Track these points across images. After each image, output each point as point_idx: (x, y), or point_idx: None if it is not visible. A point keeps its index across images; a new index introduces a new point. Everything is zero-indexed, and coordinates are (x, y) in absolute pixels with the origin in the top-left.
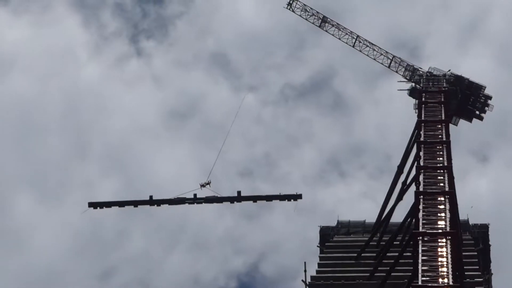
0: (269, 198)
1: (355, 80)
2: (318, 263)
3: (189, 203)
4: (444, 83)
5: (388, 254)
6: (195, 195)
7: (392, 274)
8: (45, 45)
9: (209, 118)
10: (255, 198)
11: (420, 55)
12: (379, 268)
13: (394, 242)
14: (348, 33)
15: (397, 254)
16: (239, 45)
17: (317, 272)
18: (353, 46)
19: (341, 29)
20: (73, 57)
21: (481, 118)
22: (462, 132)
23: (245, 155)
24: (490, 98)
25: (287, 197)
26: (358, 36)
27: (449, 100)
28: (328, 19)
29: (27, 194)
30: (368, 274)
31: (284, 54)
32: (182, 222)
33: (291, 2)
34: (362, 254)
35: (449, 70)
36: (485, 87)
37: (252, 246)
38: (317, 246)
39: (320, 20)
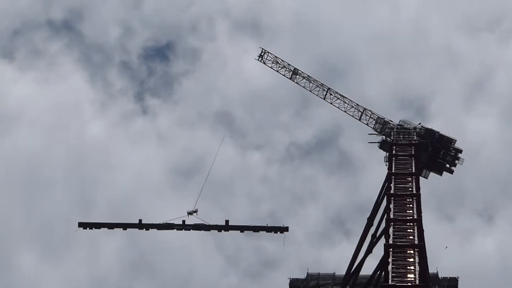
0: (256, 229)
1: (361, 138)
2: None
3: (178, 229)
4: (415, 136)
5: None
6: (183, 221)
7: None
8: (50, 101)
9: (213, 176)
10: (242, 228)
11: (426, 114)
12: None
13: None
14: (319, 85)
15: None
16: (244, 103)
17: None
18: (324, 98)
19: (312, 81)
20: (79, 113)
21: (451, 172)
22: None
23: (250, 213)
24: (460, 151)
25: (273, 229)
26: (329, 88)
27: (419, 153)
28: (299, 71)
29: (31, 250)
30: None
31: (289, 113)
32: (186, 281)
33: (262, 54)
34: None
35: (420, 123)
36: (456, 141)
37: None
38: None
39: (291, 72)
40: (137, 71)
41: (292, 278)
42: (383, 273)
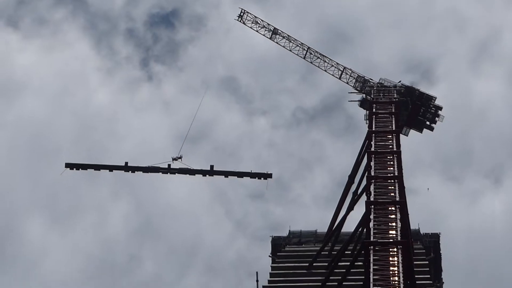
0: (240, 174)
1: None
2: (270, 273)
3: (163, 172)
4: (395, 94)
5: (339, 264)
6: (169, 165)
7: (344, 283)
8: (56, 69)
9: (220, 142)
10: (226, 173)
11: (433, 77)
12: (330, 278)
13: (346, 252)
14: (299, 45)
15: (348, 263)
16: (249, 69)
17: (269, 282)
18: (304, 58)
19: (292, 41)
20: (85, 81)
21: (431, 129)
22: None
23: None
24: (440, 108)
25: (257, 175)
26: (309, 47)
27: (399, 111)
28: (279, 31)
29: (39, 218)
30: (320, 284)
31: (295, 78)
32: (194, 245)
33: (241, 14)
34: (314, 264)
35: (400, 81)
36: (436, 98)
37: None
38: (269, 256)
39: (271, 32)
40: (142, 38)
41: (274, 236)
42: (364, 230)
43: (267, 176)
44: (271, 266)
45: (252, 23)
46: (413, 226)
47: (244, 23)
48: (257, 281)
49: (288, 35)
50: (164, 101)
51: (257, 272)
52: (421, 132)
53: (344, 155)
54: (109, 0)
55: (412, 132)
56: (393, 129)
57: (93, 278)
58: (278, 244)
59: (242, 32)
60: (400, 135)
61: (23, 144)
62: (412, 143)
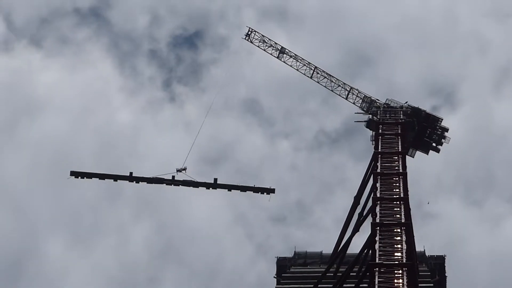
0: (243, 188)
1: None
2: None
3: (167, 183)
4: (401, 115)
5: (345, 285)
6: (173, 176)
7: None
8: (78, 88)
9: (242, 164)
10: (230, 187)
11: (455, 100)
12: None
13: (351, 273)
14: (306, 64)
15: (354, 285)
16: (271, 91)
17: None
18: (311, 77)
19: (299, 60)
20: (107, 100)
21: (437, 150)
22: None
23: (279, 200)
24: (446, 130)
25: (260, 190)
26: (316, 67)
27: (406, 132)
28: (286, 50)
29: (60, 237)
30: None
31: (317, 100)
32: (215, 269)
33: (249, 33)
34: (319, 285)
35: (406, 102)
36: (442, 119)
37: None
38: (274, 277)
39: (278, 51)
40: (165, 59)
41: (279, 257)
42: (370, 252)
43: (269, 191)
44: (276, 287)
45: (260, 42)
46: (418, 248)
47: (251, 41)
48: None
49: (295, 54)
50: (185, 122)
51: None
52: (427, 154)
53: None
54: (132, 20)
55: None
56: (399, 150)
57: None
58: (283, 265)
59: (264, 54)
60: (407, 156)
61: (45, 162)
62: (431, 165)
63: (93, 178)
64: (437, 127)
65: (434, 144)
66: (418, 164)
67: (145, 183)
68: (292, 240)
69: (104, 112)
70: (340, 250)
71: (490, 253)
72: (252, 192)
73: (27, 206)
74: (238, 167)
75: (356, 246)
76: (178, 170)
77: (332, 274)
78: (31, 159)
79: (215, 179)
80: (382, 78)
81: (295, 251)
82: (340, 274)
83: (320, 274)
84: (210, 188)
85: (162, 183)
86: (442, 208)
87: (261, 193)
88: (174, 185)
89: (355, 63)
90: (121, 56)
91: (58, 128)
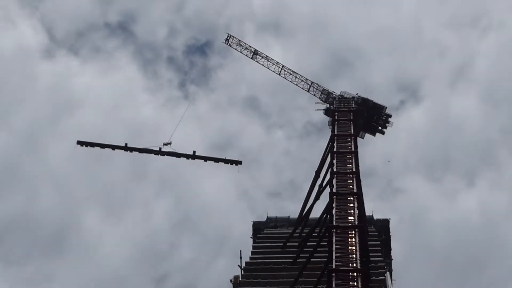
0: (216, 160)
1: None
2: (251, 251)
3: (155, 153)
4: (353, 104)
5: (308, 244)
6: (160, 148)
7: (312, 259)
8: (109, 88)
9: (244, 150)
10: (205, 158)
11: (419, 95)
12: (301, 255)
13: (313, 234)
14: (275, 63)
15: (315, 243)
16: (268, 90)
17: (250, 258)
18: (279, 74)
19: (269, 60)
20: (133, 98)
21: (383, 133)
22: None
23: (275, 180)
24: (390, 116)
25: (229, 161)
26: (283, 66)
27: (357, 118)
28: (259, 52)
29: (96, 211)
30: (292, 260)
31: (305, 97)
32: (223, 237)
33: (228, 38)
34: (287, 244)
35: (357, 94)
36: (386, 107)
37: None
38: (250, 237)
39: (252, 53)
40: (181, 64)
41: (255, 221)
42: (328, 216)
43: (237, 162)
44: (252, 246)
45: (237, 45)
46: (367, 213)
47: (230, 45)
48: (240, 258)
49: (266, 55)
50: (197, 116)
51: (240, 251)
52: (374, 136)
53: None
54: (153, 33)
55: (367, 135)
56: (352, 133)
57: (140, 262)
58: (258, 227)
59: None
60: (358, 138)
61: (83, 149)
62: (399, 150)
63: (95, 147)
64: (382, 114)
65: (380, 128)
66: (387, 148)
67: (137, 152)
68: (287, 211)
69: (130, 108)
70: (304, 215)
71: (448, 221)
72: (223, 163)
73: (69, 185)
74: (241, 153)
75: (317, 211)
76: (165, 144)
77: (297, 235)
78: (71, 147)
79: (194, 152)
80: (360, 78)
81: (267, 216)
82: (304, 234)
83: (288, 235)
84: (190, 159)
85: (151, 153)
86: (408, 184)
87: (230, 164)
88: (160, 155)
89: (337, 66)
90: (144, 62)
91: (92, 121)
